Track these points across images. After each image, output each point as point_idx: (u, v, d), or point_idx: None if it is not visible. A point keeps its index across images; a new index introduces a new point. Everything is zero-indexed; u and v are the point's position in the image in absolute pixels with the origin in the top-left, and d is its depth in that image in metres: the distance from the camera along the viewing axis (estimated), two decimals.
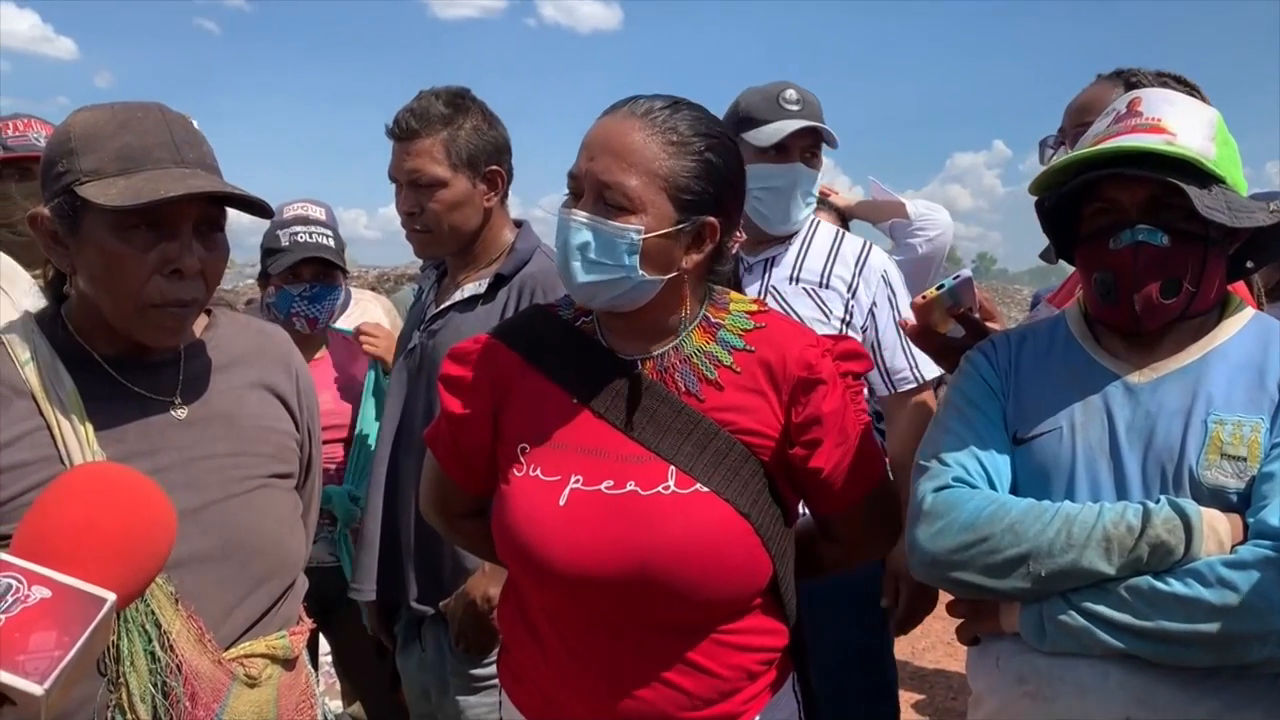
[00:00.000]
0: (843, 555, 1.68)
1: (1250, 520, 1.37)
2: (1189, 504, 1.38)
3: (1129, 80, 1.98)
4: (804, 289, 2.41)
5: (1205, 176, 1.46)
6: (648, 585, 1.41)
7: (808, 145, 2.45)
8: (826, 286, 2.41)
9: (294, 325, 2.83)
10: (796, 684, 1.62)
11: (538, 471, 1.48)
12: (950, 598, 1.60)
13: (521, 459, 1.50)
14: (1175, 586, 1.34)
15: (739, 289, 2.38)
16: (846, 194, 3.73)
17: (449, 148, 2.26)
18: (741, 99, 2.49)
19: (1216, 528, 1.36)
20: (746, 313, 1.57)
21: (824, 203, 3.64)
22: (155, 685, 1.35)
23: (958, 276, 1.84)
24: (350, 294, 3.40)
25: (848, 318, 2.38)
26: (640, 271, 1.44)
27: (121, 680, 1.33)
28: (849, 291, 2.40)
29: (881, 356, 2.39)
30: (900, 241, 3.47)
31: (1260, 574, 1.30)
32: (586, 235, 1.43)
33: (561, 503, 1.45)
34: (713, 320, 1.55)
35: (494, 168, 2.31)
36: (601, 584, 1.42)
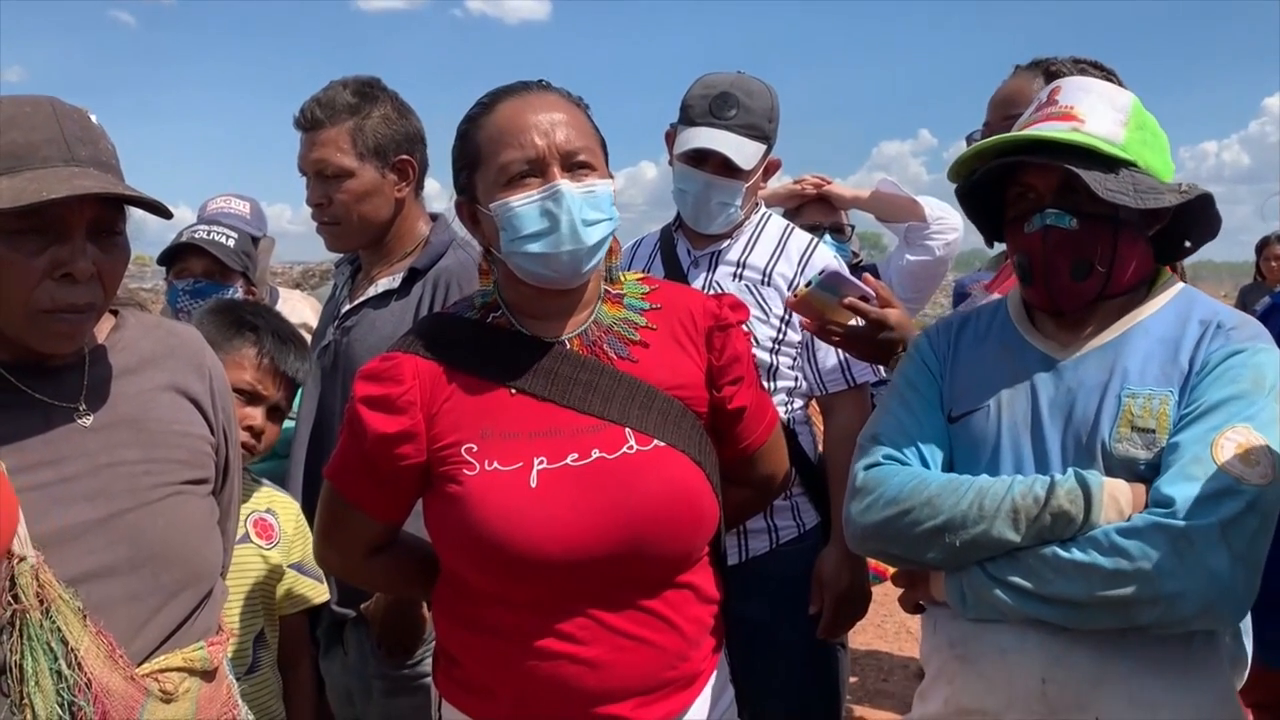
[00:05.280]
0: (749, 498, 1.78)
1: (1151, 490, 1.43)
2: (1092, 475, 1.44)
3: (1048, 70, 2.02)
4: (746, 286, 2.39)
5: (1113, 160, 1.51)
6: (634, 545, 1.44)
7: (727, 159, 2.33)
8: (768, 284, 2.38)
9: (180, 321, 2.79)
10: (726, 649, 1.67)
11: (495, 464, 1.46)
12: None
13: (471, 458, 1.47)
14: (1074, 554, 1.40)
15: (686, 283, 2.39)
16: (845, 184, 3.60)
17: (355, 137, 2.22)
18: (694, 85, 2.41)
19: (1118, 497, 1.42)
20: (636, 279, 1.67)
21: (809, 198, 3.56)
22: (62, 705, 1.29)
23: (822, 272, 1.90)
24: (277, 293, 3.33)
25: (787, 316, 2.35)
26: (616, 217, 1.55)
27: (26, 701, 1.28)
28: (790, 290, 2.35)
29: (815, 358, 2.38)
30: (915, 243, 3.39)
31: (1150, 540, 1.36)
32: (580, 200, 1.49)
33: (532, 485, 1.44)
34: (613, 292, 1.63)
35: (404, 157, 2.27)
36: (588, 556, 1.42)
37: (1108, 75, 1.96)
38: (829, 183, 3.53)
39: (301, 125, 2.26)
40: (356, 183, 2.23)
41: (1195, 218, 1.62)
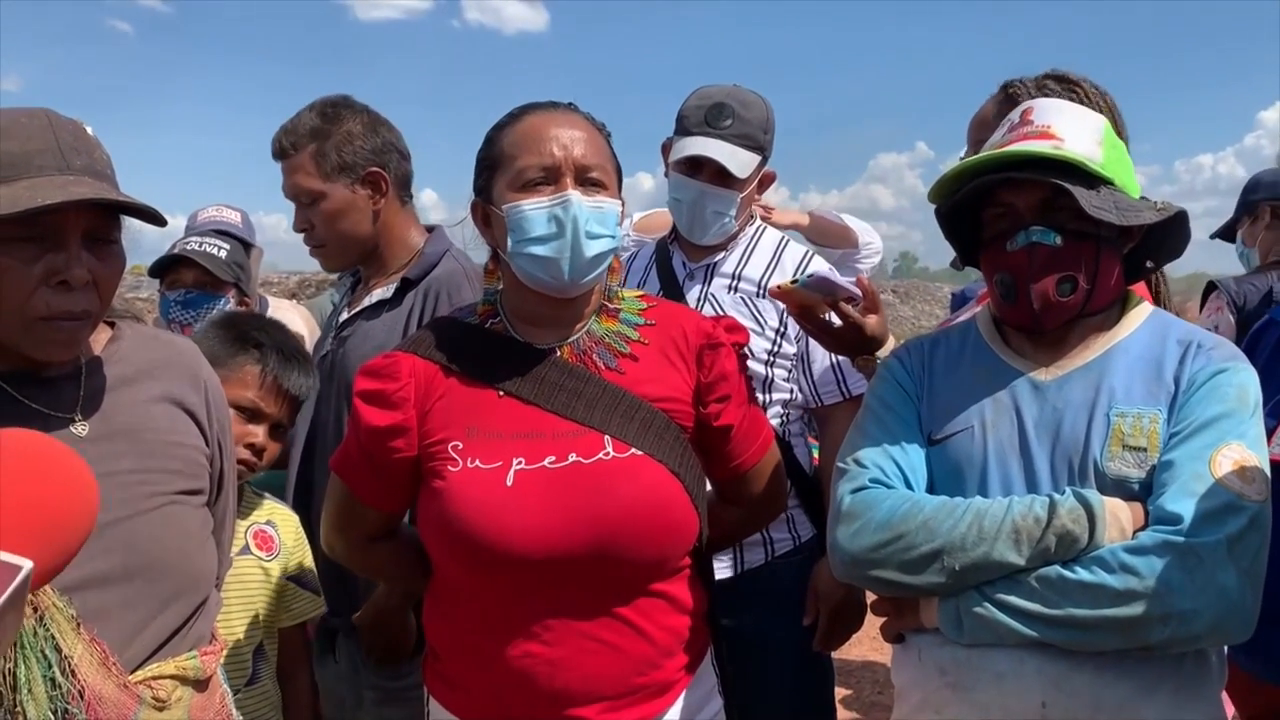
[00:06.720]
0: (742, 518, 1.79)
1: (1151, 507, 1.42)
2: (1092, 494, 1.43)
3: (1007, 91, 2.01)
4: (741, 298, 2.39)
5: (1093, 178, 1.52)
6: (602, 548, 1.46)
7: (722, 167, 2.33)
8: (763, 296, 2.38)
9: (172, 331, 2.78)
10: (714, 659, 1.68)
11: (477, 462, 1.51)
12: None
13: (456, 455, 1.53)
14: (1081, 574, 1.38)
15: (680, 296, 2.39)
16: (787, 210, 3.61)
17: (318, 160, 2.24)
18: (689, 97, 2.43)
19: (1119, 515, 1.41)
20: (635, 296, 1.71)
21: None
22: (55, 713, 1.29)
23: (811, 275, 1.92)
24: (266, 302, 3.33)
25: (782, 329, 2.35)
26: (619, 237, 1.61)
27: (19, 709, 1.27)
28: (778, 284, 2.35)
29: (810, 370, 2.38)
30: (845, 265, 3.50)
31: (1159, 558, 1.35)
32: (588, 212, 1.56)
33: (508, 483, 1.49)
34: (610, 307, 1.67)
35: (373, 170, 2.28)
36: (557, 554, 1.46)
37: (1074, 86, 1.94)
38: (769, 212, 3.54)
39: (275, 156, 2.30)
40: (329, 203, 2.25)
41: (1163, 237, 1.63)
